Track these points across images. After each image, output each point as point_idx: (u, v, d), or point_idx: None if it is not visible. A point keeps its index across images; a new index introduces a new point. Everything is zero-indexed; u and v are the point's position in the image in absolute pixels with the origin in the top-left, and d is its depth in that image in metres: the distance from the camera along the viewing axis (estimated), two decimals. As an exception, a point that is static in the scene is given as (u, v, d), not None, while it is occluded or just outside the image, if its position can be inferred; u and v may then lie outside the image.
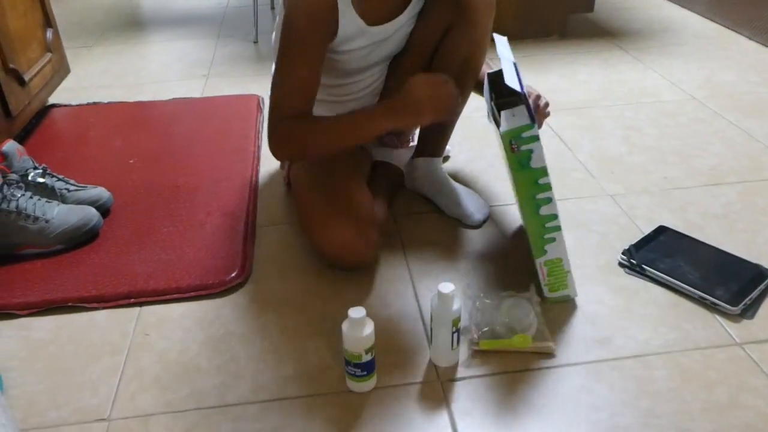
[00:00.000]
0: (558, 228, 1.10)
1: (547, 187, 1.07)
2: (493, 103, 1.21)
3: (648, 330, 1.11)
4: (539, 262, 1.14)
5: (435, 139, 1.47)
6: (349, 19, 1.19)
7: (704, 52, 2.35)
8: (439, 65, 1.34)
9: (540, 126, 1.23)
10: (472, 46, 1.32)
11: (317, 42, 1.17)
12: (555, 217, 1.09)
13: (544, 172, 1.06)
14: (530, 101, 1.18)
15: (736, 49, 2.36)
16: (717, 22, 2.64)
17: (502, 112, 1.07)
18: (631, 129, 1.80)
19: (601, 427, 0.94)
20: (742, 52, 2.33)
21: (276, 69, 1.20)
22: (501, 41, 1.21)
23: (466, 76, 1.36)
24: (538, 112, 1.31)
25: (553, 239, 1.11)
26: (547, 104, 1.34)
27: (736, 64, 2.23)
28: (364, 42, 1.24)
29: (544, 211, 1.09)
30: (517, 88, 1.06)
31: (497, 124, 1.11)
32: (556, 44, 2.44)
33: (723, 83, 2.08)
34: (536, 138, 1.03)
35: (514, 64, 1.14)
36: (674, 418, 0.95)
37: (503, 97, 1.20)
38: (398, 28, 1.28)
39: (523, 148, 1.04)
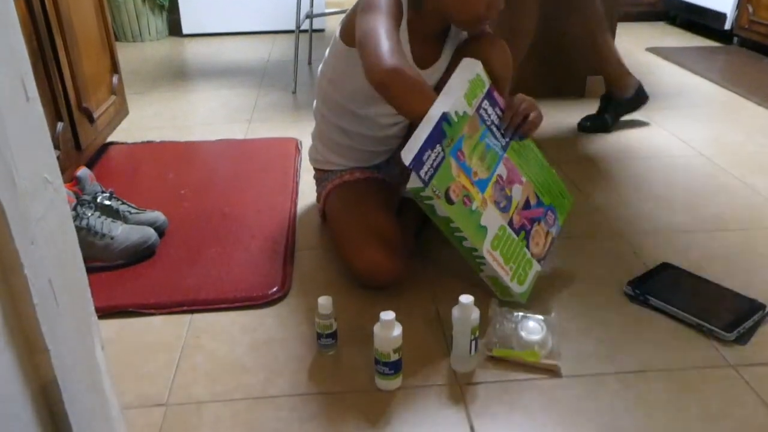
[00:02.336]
0: (482, 257, 1.26)
1: (459, 230, 1.23)
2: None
3: (649, 351, 1.22)
4: (482, 276, 1.33)
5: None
6: (402, 34, 1.37)
7: (715, 115, 2.51)
8: None
9: (526, 136, 1.39)
10: None
11: (395, 12, 1.32)
12: (476, 250, 1.25)
13: (450, 220, 1.21)
14: (510, 116, 1.35)
15: (745, 114, 2.51)
16: (728, 89, 2.80)
17: (412, 173, 1.18)
18: (641, 180, 1.94)
19: (603, 429, 1.05)
20: (750, 116, 2.48)
21: (364, 34, 1.26)
22: (468, 64, 1.33)
23: None
24: (522, 128, 1.37)
25: (484, 263, 1.28)
26: (527, 119, 1.37)
27: (744, 126, 2.38)
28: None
29: (467, 244, 1.25)
30: (410, 157, 1.14)
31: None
32: (574, 103, 2.62)
33: (731, 143, 2.22)
34: (431, 197, 1.19)
35: (488, 92, 1.32)
36: (669, 424, 1.05)
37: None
38: (431, 75, 1.45)
39: (426, 203, 1.21)
